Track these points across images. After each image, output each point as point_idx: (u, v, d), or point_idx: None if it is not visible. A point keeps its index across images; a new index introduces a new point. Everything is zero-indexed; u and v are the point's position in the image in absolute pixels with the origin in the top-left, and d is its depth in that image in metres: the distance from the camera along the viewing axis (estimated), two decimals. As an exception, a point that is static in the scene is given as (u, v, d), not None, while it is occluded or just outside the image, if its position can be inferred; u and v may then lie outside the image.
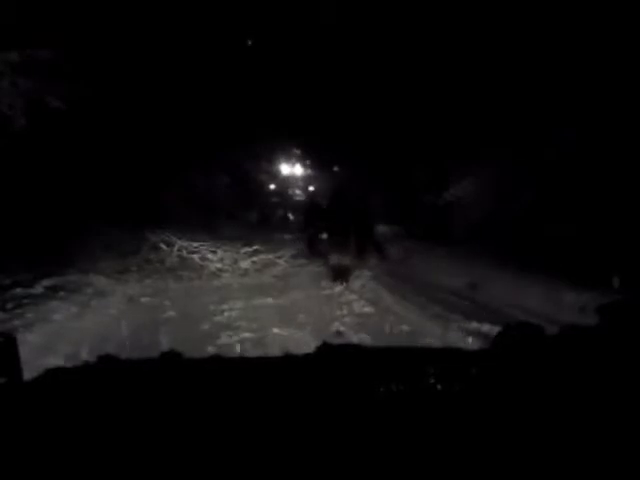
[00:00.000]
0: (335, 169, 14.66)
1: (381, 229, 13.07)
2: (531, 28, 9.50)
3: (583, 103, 9.23)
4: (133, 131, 12.02)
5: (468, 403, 1.36)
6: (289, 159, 16.85)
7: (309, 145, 15.74)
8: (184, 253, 11.64)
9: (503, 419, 1.25)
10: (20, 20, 8.91)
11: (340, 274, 9.57)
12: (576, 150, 9.40)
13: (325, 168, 15.54)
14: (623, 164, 8.74)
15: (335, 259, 9.52)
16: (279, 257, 11.72)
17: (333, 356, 1.69)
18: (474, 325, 6.58)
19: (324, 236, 9.73)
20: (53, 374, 1.55)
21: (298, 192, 16.75)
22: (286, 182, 16.68)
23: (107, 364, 1.63)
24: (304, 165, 16.77)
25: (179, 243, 11.95)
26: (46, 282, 8.57)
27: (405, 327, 6.83)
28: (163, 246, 11.76)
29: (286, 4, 12.26)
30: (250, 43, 13.18)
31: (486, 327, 6.25)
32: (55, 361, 4.88)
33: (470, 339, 6.01)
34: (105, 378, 1.55)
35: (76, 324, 6.84)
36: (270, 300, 8.32)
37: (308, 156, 16.28)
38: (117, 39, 10.69)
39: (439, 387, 1.45)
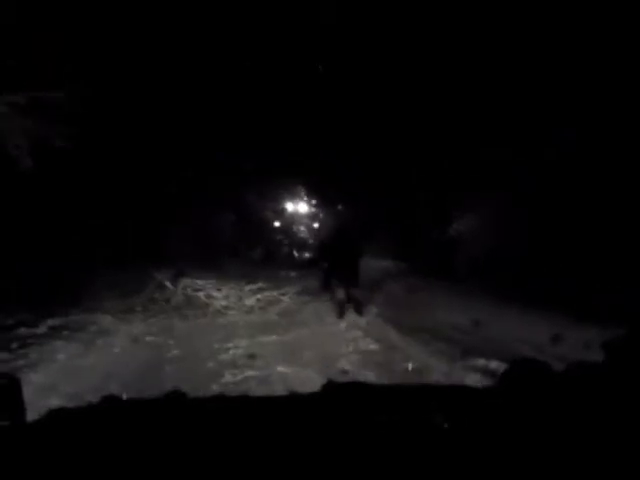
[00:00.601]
0: (339, 206, 14.79)
1: (385, 265, 13.06)
2: (531, 30, 9.53)
3: (582, 108, 9.23)
4: (136, 170, 12.16)
5: (475, 441, 1.33)
6: (293, 197, 17.01)
7: (312, 183, 15.92)
8: (189, 291, 11.61)
9: (510, 457, 1.22)
10: (24, 63, 9.17)
11: (349, 307, 9.50)
12: (575, 154, 9.34)
13: (329, 205, 15.67)
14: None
15: (341, 294, 9.45)
16: (283, 294, 11.71)
17: (338, 394, 1.67)
18: (480, 362, 6.49)
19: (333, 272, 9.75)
20: (56, 415, 1.53)
21: (302, 229, 16.83)
22: (290, 219, 16.79)
23: (111, 404, 1.62)
24: (308, 202, 16.92)
25: (184, 282, 11.97)
26: (50, 322, 8.53)
27: (410, 364, 6.74)
28: (168, 284, 11.77)
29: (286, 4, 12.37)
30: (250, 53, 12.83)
31: (493, 364, 6.19)
32: (58, 401, 4.89)
33: (476, 376, 5.95)
34: (108, 418, 1.54)
35: (80, 363, 6.78)
36: (275, 337, 8.28)
37: (311, 193, 16.45)
38: (118, 76, 10.84)
39: (445, 425, 1.43)
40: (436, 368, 6.55)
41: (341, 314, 9.46)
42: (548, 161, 9.85)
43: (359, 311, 9.46)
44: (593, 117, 9.14)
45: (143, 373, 6.38)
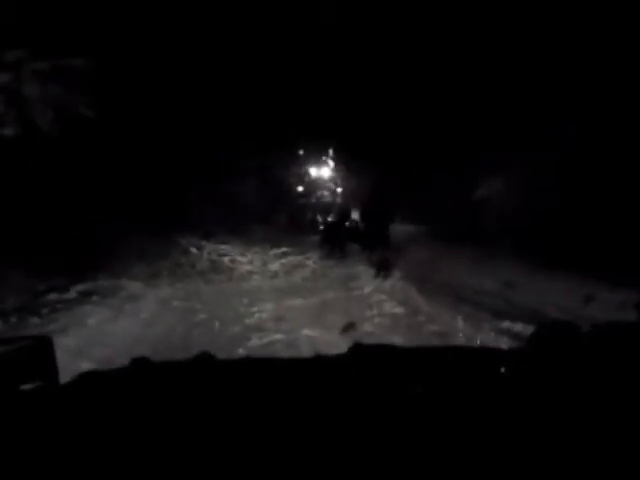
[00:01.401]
0: (362, 170, 14.71)
1: (408, 229, 12.99)
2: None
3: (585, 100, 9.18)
4: (163, 135, 12.21)
5: (502, 404, 1.32)
6: (317, 161, 16.93)
7: (336, 148, 15.86)
8: (214, 256, 11.75)
9: (538, 422, 1.21)
10: (50, 31, 9.17)
11: (382, 268, 9.62)
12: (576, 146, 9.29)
13: (352, 170, 15.58)
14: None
15: (377, 254, 9.52)
16: (308, 258, 11.81)
17: (365, 356, 1.68)
18: (506, 324, 6.51)
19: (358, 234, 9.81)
20: (88, 378, 1.56)
21: (326, 194, 16.79)
22: (314, 185, 16.75)
23: (141, 367, 1.64)
24: (331, 168, 16.86)
25: (209, 246, 12.10)
26: (80, 287, 8.72)
27: (436, 327, 6.77)
28: (193, 250, 11.88)
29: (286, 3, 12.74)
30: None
31: (519, 326, 6.18)
32: (89, 365, 4.92)
33: (503, 339, 5.93)
34: (139, 381, 1.56)
35: (110, 328, 6.90)
36: (300, 301, 8.34)
37: (335, 159, 16.40)
38: (138, 43, 10.96)
39: (473, 388, 1.42)
40: (462, 331, 6.53)
41: (379, 274, 9.52)
42: (590, 112, 9.59)
43: (385, 275, 9.50)
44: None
45: (171, 337, 6.48)
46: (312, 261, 11.69)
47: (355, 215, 13.15)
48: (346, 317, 7.08)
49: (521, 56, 10.09)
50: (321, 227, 14.09)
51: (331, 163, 16.85)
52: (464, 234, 11.16)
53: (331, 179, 17.05)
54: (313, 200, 16.64)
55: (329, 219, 13.50)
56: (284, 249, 12.37)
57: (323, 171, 17.09)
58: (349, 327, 6.62)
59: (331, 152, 16.64)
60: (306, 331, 6.64)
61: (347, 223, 12.66)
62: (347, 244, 11.94)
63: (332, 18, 12.42)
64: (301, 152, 16.79)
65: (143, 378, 1.59)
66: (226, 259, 11.71)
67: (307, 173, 16.90)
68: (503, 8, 10.13)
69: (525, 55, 10.05)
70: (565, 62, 9.63)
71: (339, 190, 16.60)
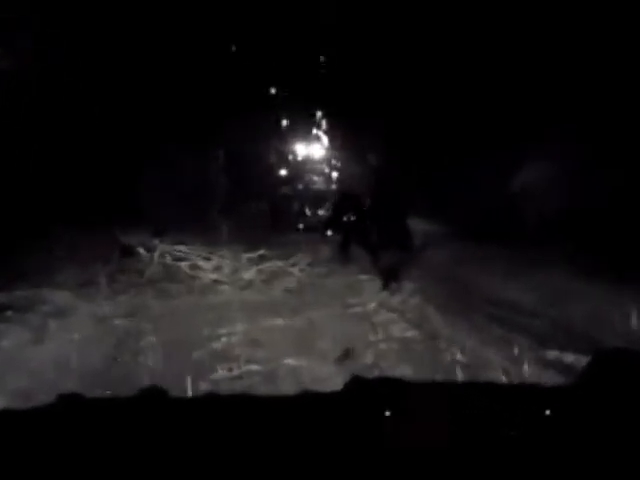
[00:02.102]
0: (365, 146, 14.66)
1: (423, 228, 12.96)
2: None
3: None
4: (101, 102, 12.33)
5: (550, 456, 1.31)
6: (306, 134, 16.82)
7: (332, 117, 15.78)
8: (168, 260, 11.60)
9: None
10: None
11: (391, 277, 9.68)
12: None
13: (352, 147, 15.52)
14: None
15: (386, 260, 9.63)
16: (292, 265, 11.63)
17: (367, 394, 1.67)
18: (553, 353, 6.42)
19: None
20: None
21: (318, 179, 16.67)
22: (302, 165, 16.62)
23: (69, 405, 1.62)
24: (325, 143, 16.73)
25: (162, 247, 11.92)
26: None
27: (460, 356, 6.69)
28: (141, 251, 11.74)
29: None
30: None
31: (570, 356, 6.11)
32: (2, 401, 4.88)
33: (548, 372, 5.89)
34: (67, 423, 1.53)
35: (29, 352, 6.81)
36: (282, 321, 8.25)
37: (330, 132, 16.30)
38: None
39: (509, 437, 1.41)
40: (494, 362, 6.44)
41: (387, 285, 9.55)
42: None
43: (394, 286, 9.51)
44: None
45: (110, 366, 6.41)
46: (298, 268, 11.52)
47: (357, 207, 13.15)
48: (342, 342, 7.01)
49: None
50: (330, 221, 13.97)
51: (324, 138, 16.78)
52: (497, 233, 11.19)
53: (324, 160, 16.96)
54: (300, 187, 16.55)
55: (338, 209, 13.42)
56: (261, 252, 12.17)
57: (314, 149, 17.00)
58: (346, 355, 6.58)
59: (324, 123, 16.63)
60: (289, 360, 6.57)
61: (350, 216, 12.55)
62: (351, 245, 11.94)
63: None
64: (284, 122, 16.77)
65: (72, 420, 1.56)
66: (184, 264, 11.54)
67: (292, 151, 16.83)
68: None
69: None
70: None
71: (334, 175, 16.53)
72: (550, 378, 5.62)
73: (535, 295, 8.49)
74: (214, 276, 11.13)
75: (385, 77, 13.52)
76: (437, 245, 11.97)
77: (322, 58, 14.91)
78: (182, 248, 12.10)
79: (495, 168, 11.91)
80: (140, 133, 13.02)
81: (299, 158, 16.72)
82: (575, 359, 5.87)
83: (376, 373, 6.11)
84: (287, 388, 5.62)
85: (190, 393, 5.15)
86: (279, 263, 11.74)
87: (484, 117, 12.13)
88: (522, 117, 11.36)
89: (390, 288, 9.59)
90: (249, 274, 11.25)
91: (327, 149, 16.82)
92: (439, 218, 13.36)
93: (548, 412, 1.58)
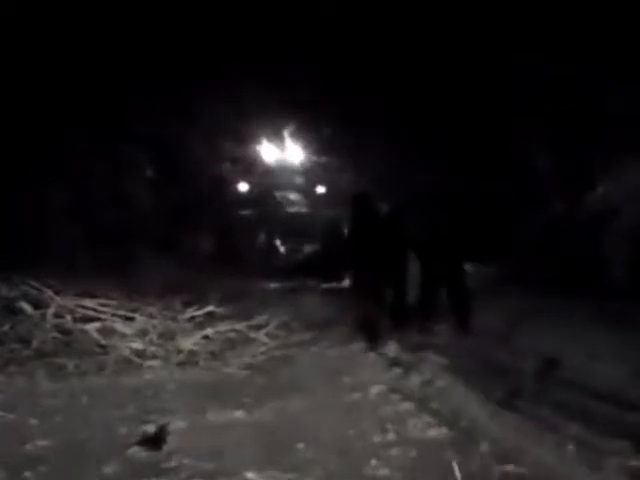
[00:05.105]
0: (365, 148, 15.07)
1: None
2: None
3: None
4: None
5: None
6: (275, 133, 17.15)
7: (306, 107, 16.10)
8: (68, 321, 11.01)
9: None
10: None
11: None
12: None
13: (344, 149, 15.85)
14: None
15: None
16: (257, 328, 11.33)
17: None
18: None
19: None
20: None
21: (295, 198, 17.03)
22: (270, 176, 17.02)
23: None
24: (305, 141, 17.07)
25: (58, 301, 11.28)
26: None
27: (513, 466, 5.93)
28: (25, 307, 11.20)
29: None
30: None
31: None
32: None
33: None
34: None
35: None
36: (241, 414, 7.73)
37: (312, 122, 16.62)
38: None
39: None
40: (562, 475, 5.70)
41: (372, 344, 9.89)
42: None
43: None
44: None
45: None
46: (264, 332, 11.15)
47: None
48: (332, 447, 6.35)
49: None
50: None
51: (303, 135, 17.16)
52: (562, 276, 11.35)
53: (305, 168, 17.35)
54: (270, 208, 16.88)
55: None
56: (209, 308, 11.91)
57: (289, 150, 17.39)
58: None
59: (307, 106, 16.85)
60: (251, 475, 5.90)
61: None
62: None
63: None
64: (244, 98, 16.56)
65: None
66: (92, 327, 11.04)
67: (257, 155, 17.21)
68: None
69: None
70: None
71: (320, 190, 16.86)
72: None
73: (620, 368, 8.37)
74: (137, 345, 10.66)
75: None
76: (481, 295, 12.09)
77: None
78: (89, 303, 11.47)
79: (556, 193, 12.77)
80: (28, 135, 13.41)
81: (269, 164, 17.09)
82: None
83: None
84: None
85: None
86: (237, 325, 11.54)
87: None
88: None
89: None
90: (190, 342, 10.90)
91: (309, 153, 17.15)
92: (475, 257, 13.75)
93: None
